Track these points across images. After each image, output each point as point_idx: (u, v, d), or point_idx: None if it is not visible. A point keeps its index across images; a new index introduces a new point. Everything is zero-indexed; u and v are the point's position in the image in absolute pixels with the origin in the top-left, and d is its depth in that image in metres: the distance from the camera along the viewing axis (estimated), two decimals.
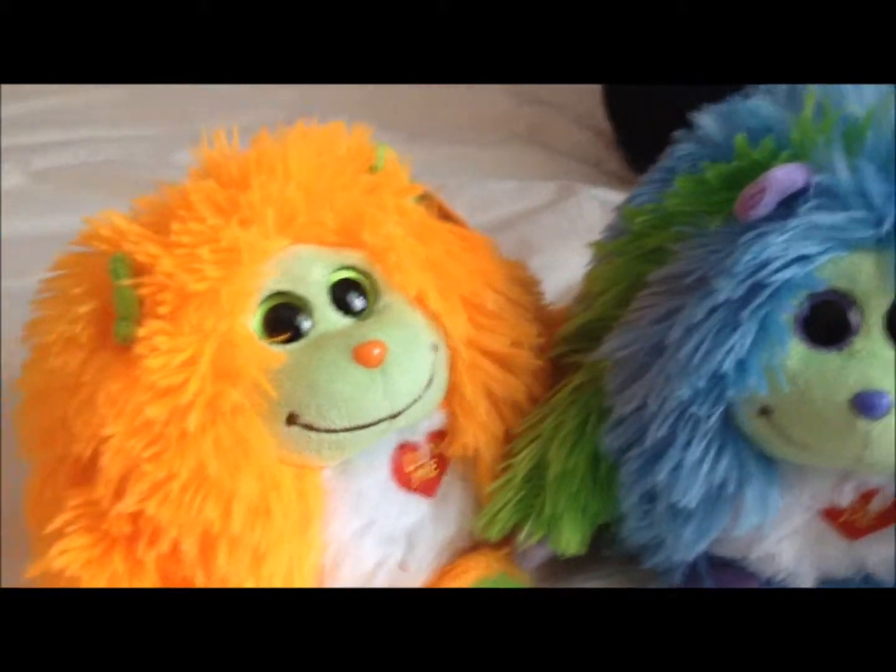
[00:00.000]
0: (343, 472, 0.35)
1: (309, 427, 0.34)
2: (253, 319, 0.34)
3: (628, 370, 0.36)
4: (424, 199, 0.40)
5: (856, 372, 0.32)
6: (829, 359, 0.33)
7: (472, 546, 0.40)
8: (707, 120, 0.37)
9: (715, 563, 0.39)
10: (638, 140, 0.71)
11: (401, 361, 0.34)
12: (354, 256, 0.36)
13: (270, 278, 0.35)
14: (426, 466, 0.37)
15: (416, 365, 0.35)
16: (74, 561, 0.33)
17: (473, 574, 0.39)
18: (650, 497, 0.36)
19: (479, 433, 0.37)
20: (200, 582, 0.33)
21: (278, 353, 0.34)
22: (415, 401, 0.35)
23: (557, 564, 0.40)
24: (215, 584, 0.33)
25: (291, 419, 0.34)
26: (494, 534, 0.38)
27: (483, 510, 0.38)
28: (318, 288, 0.35)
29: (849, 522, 0.36)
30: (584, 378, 0.38)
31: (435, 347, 0.36)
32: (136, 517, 0.33)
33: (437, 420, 0.37)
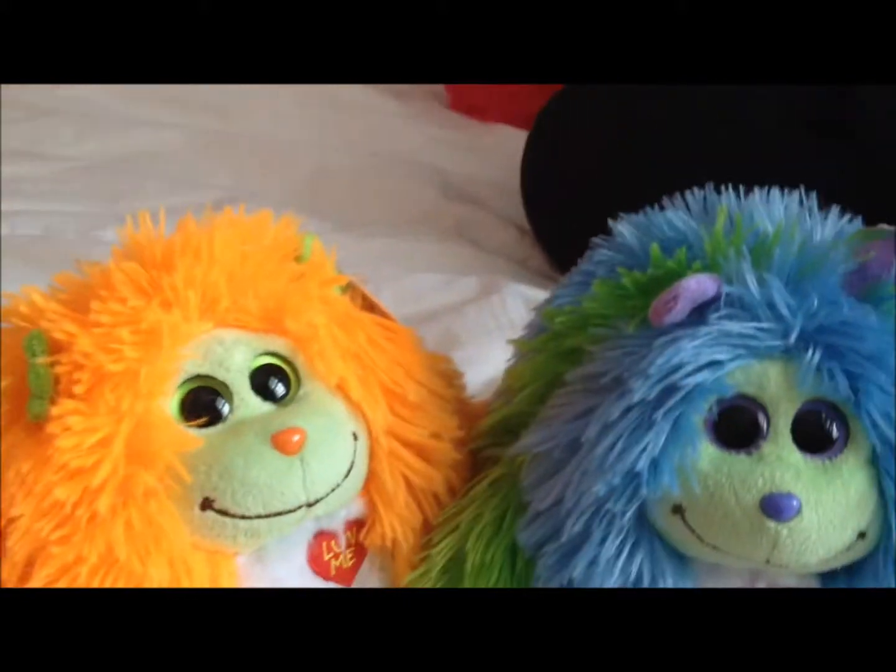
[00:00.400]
0: (258, 560, 0.35)
1: (223, 513, 0.34)
2: (170, 402, 0.34)
3: (545, 466, 0.36)
4: (349, 289, 0.40)
5: (764, 475, 0.33)
6: (739, 461, 0.34)
7: None
8: (624, 228, 0.39)
9: None
10: (556, 241, 0.73)
11: (320, 449, 0.35)
12: (277, 343, 0.37)
13: (190, 361, 0.35)
14: (343, 556, 0.37)
15: (335, 453, 0.35)
16: None
17: None
18: None
19: (396, 523, 0.38)
20: None
21: (195, 436, 0.34)
22: (333, 489, 0.35)
23: None
24: None
25: (206, 504, 0.34)
26: None
27: None
28: (239, 373, 0.35)
29: None
30: (503, 472, 0.39)
31: (355, 436, 0.37)
32: None
33: (355, 509, 0.38)
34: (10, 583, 0.32)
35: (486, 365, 0.56)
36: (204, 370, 0.35)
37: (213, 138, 0.95)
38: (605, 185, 0.70)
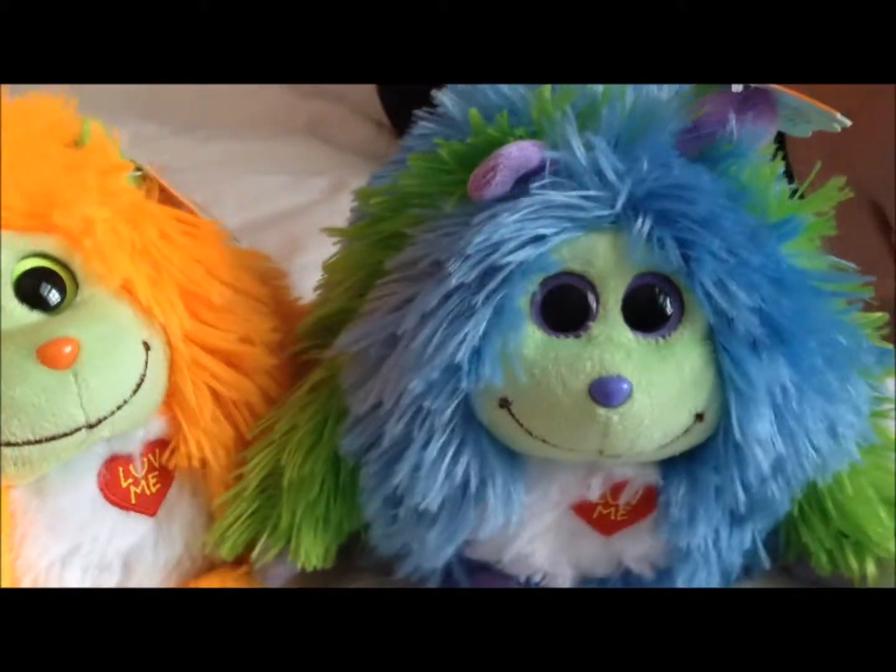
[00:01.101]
0: (37, 492, 0.31)
1: None
2: None
3: (364, 365, 0.33)
4: (144, 181, 0.36)
5: (593, 358, 0.30)
6: (567, 345, 0.31)
7: (207, 567, 0.36)
8: (447, 97, 0.35)
9: (472, 566, 0.36)
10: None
11: (98, 361, 0.30)
12: (48, 243, 0.32)
13: None
14: (144, 481, 0.33)
15: (118, 365, 0.31)
16: None
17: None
18: (394, 502, 0.33)
19: (204, 441, 0.34)
20: None
21: None
22: (119, 406, 0.31)
23: (306, 580, 0.37)
24: None
25: None
26: (226, 552, 0.35)
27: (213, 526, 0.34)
28: (1, 279, 0.30)
29: (602, 517, 0.34)
30: (322, 376, 0.35)
31: (147, 346, 0.32)
32: None
33: (155, 428, 0.33)
34: None
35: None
36: None
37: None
38: None
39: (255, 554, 0.35)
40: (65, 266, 0.32)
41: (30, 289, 0.31)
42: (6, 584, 0.30)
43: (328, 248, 0.56)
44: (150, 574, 0.34)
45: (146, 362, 0.32)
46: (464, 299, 0.31)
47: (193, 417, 0.33)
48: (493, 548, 0.35)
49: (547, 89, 0.33)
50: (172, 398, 0.33)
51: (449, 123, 0.35)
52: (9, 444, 0.29)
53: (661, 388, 0.30)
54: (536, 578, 0.35)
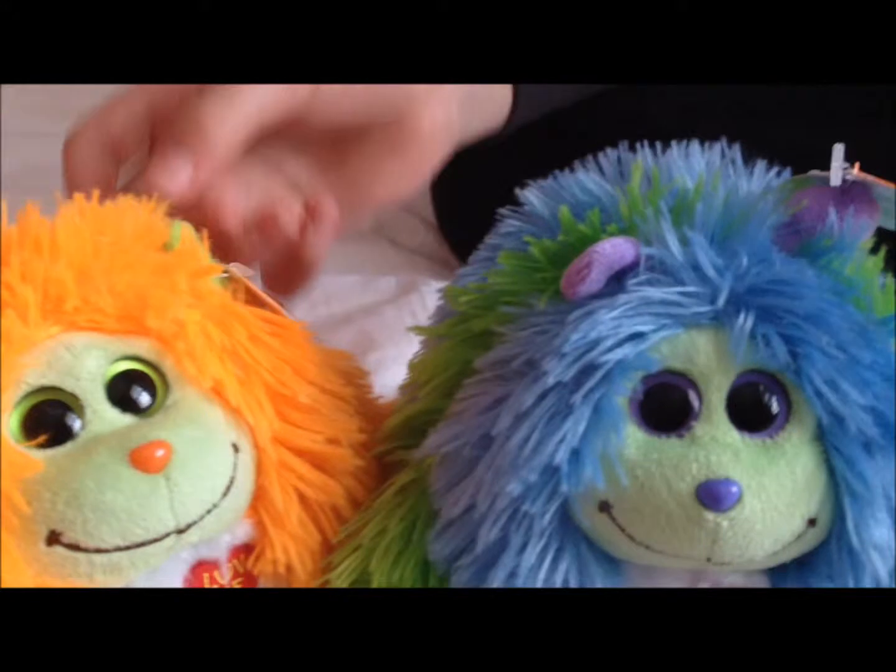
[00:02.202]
0: None
1: (74, 547, 0.29)
2: (9, 420, 0.29)
3: (455, 467, 0.32)
4: (229, 283, 0.36)
5: (699, 459, 0.29)
6: (670, 446, 0.30)
7: None
8: (532, 195, 0.35)
9: None
10: (463, 232, 0.69)
11: (190, 465, 0.30)
12: (140, 345, 0.32)
13: (31, 371, 0.30)
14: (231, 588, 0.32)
15: (209, 469, 0.30)
16: None
17: None
18: None
19: (290, 545, 0.33)
20: None
21: (36, 459, 0.29)
22: (209, 511, 0.30)
23: None
24: None
25: (53, 538, 0.28)
26: None
27: None
28: (92, 381, 0.30)
29: None
30: (410, 478, 0.34)
31: (236, 448, 0.32)
32: None
33: (241, 532, 0.33)
34: None
35: (404, 366, 0.52)
36: (49, 381, 0.30)
37: None
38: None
39: None
40: (156, 368, 0.32)
41: (121, 391, 0.31)
42: None
43: (402, 346, 0.57)
44: None
45: (235, 465, 0.31)
46: (561, 398, 0.30)
47: (280, 521, 0.33)
48: None
49: (636, 186, 0.33)
50: (259, 502, 0.33)
51: (536, 221, 0.35)
52: (98, 551, 0.29)
53: (772, 492, 0.29)
54: None
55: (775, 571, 0.31)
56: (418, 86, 0.44)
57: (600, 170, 0.35)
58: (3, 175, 0.83)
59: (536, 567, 0.30)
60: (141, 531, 0.29)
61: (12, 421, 0.29)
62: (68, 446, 0.29)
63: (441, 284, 0.65)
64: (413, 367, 0.37)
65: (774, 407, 0.30)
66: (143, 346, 0.32)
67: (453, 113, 0.46)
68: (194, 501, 0.30)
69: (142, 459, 0.29)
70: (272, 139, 0.42)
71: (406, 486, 0.34)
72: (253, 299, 0.36)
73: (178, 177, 0.39)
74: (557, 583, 0.30)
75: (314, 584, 0.34)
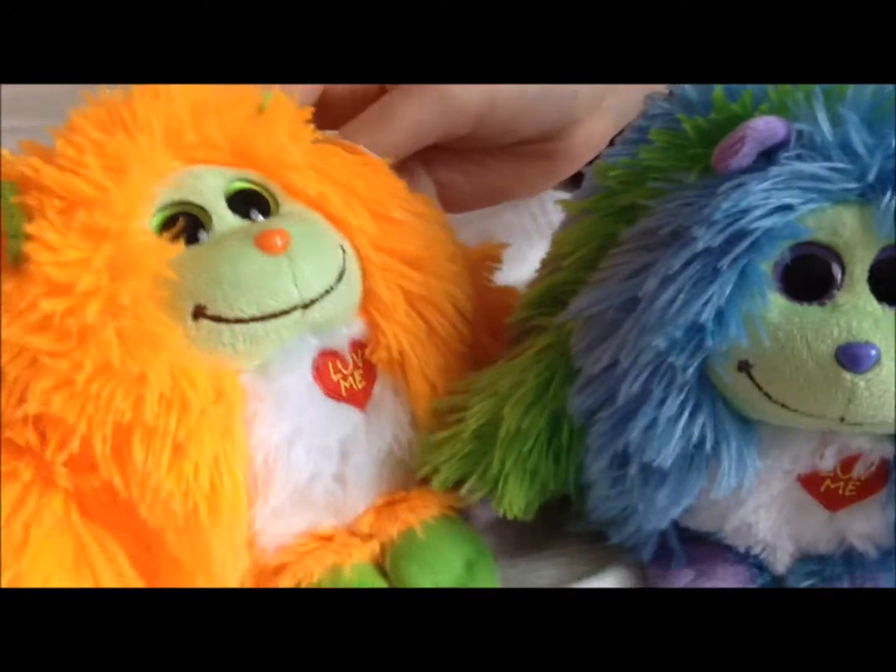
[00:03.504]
0: (262, 375, 0.34)
1: (218, 318, 0.32)
2: (148, 224, 0.33)
3: (598, 328, 0.34)
4: (323, 141, 0.39)
5: (840, 324, 0.31)
6: (812, 311, 0.31)
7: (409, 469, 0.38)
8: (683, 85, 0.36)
9: (687, 537, 0.37)
10: None
11: (306, 250, 0.33)
12: (249, 173, 0.36)
13: (162, 190, 0.34)
14: (352, 377, 0.36)
15: (323, 254, 0.34)
16: None
17: (428, 511, 0.37)
18: (621, 461, 0.34)
19: (400, 333, 0.36)
20: (119, 485, 0.31)
21: (177, 245, 0.33)
22: (327, 291, 0.34)
23: (517, 536, 0.38)
24: (133, 487, 0.31)
25: (198, 312, 0.32)
26: (437, 485, 0.37)
27: (421, 438, 0.37)
28: (214, 195, 0.34)
29: (830, 491, 0.34)
30: (550, 340, 0.36)
31: (342, 249, 0.35)
32: (40, 423, 0.31)
33: (357, 329, 0.36)
34: (9, 407, 0.31)
35: (525, 265, 0.54)
36: (178, 196, 0.34)
37: None
38: None
39: (461, 492, 0.36)
40: (265, 189, 0.36)
41: (239, 204, 0.35)
42: (244, 460, 0.33)
43: (522, 246, 0.59)
44: (365, 462, 0.36)
45: (344, 259, 0.35)
46: (708, 263, 0.32)
47: (388, 313, 0.36)
48: (715, 515, 0.35)
49: None
50: (368, 302, 0.36)
51: (685, 104, 0.36)
52: (238, 321, 0.32)
53: None
54: (756, 550, 0.35)
55: None
56: (585, 105, 0.47)
57: None
58: None
59: (675, 418, 0.32)
60: (272, 302, 0.32)
61: (150, 225, 0.33)
62: (200, 245, 0.33)
63: (561, 193, 0.67)
64: (556, 240, 0.39)
65: None
66: (252, 174, 0.36)
67: (609, 126, 0.48)
68: (314, 279, 0.33)
69: (265, 242, 0.32)
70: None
71: (545, 348, 0.37)
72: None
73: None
74: (694, 435, 0.32)
75: (427, 372, 0.37)
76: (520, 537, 0.39)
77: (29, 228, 0.31)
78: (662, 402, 0.32)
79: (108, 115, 0.34)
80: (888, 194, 0.31)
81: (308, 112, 0.38)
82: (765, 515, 0.34)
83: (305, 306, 0.33)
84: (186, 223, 0.34)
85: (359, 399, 0.36)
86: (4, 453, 0.31)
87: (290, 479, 0.34)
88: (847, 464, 0.33)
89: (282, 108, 0.38)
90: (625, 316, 0.33)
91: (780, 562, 0.36)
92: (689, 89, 0.36)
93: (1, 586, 0.30)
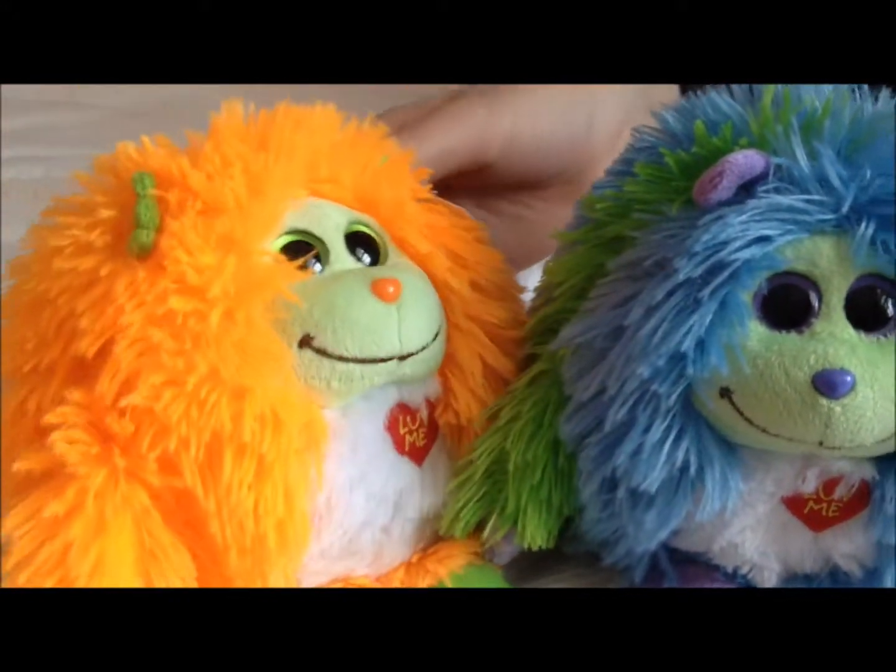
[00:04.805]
0: (344, 415, 0.35)
1: (322, 352, 0.33)
2: (272, 246, 0.34)
3: (587, 356, 0.35)
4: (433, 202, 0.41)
5: (817, 351, 0.32)
6: (790, 339, 0.32)
7: None
8: (667, 114, 0.38)
9: (677, 558, 0.38)
10: None
11: (415, 303, 0.35)
12: (367, 217, 0.37)
13: (291, 214, 0.35)
14: (417, 433, 0.37)
15: (428, 310, 0.36)
16: (72, 452, 0.31)
17: (456, 561, 0.38)
18: (610, 485, 0.35)
19: (472, 402, 0.37)
20: (199, 495, 0.32)
21: (299, 272, 0.34)
22: (424, 347, 0.35)
23: (524, 563, 0.39)
24: (212, 498, 0.32)
25: (305, 341, 0.33)
26: (460, 532, 0.37)
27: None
28: (336, 231, 0.36)
29: (813, 513, 0.35)
30: (543, 368, 0.38)
31: (440, 308, 0.37)
32: (141, 416, 0.31)
33: (432, 388, 0.37)
34: (112, 393, 0.31)
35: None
36: (303, 225, 0.35)
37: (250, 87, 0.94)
38: None
39: (485, 534, 0.37)
40: (379, 236, 0.37)
41: (353, 246, 0.36)
42: (311, 491, 0.33)
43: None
44: (414, 518, 0.37)
45: (440, 318, 0.37)
46: (689, 293, 0.33)
47: (465, 380, 0.37)
48: (703, 537, 0.36)
49: (768, 104, 0.35)
50: (447, 366, 0.38)
51: (669, 137, 0.37)
52: (340, 359, 0.33)
53: (883, 383, 0.31)
54: (744, 570, 0.36)
55: (881, 459, 0.34)
56: (601, 140, 0.48)
57: (730, 93, 0.38)
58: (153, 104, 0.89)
59: (660, 443, 0.33)
60: (375, 347, 0.34)
61: (273, 247, 0.34)
62: (318, 276, 0.35)
63: None
64: (548, 270, 0.40)
65: (890, 309, 0.32)
66: (369, 219, 0.37)
67: None
68: (415, 333, 0.35)
69: (381, 289, 0.34)
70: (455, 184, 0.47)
71: (538, 377, 0.38)
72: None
73: None
74: (679, 460, 0.33)
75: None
76: (528, 562, 0.40)
77: (171, 224, 0.32)
78: (648, 428, 0.33)
79: (254, 132, 0.35)
80: (863, 224, 0.32)
81: (427, 172, 0.40)
82: (751, 536, 0.35)
83: (402, 358, 0.34)
84: (309, 250, 0.35)
85: (419, 455, 0.37)
86: (100, 438, 0.32)
87: (344, 522, 0.35)
88: (829, 486, 0.34)
89: (406, 163, 0.39)
90: (612, 344, 0.34)
91: (768, 581, 0.37)
92: (673, 122, 0.37)
93: (83, 568, 0.30)
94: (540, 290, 0.41)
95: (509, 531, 0.37)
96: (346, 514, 0.35)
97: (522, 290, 0.42)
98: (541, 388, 0.38)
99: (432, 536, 0.38)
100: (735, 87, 0.38)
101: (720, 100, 0.37)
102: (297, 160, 0.35)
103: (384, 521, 0.36)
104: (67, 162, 0.79)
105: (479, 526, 0.38)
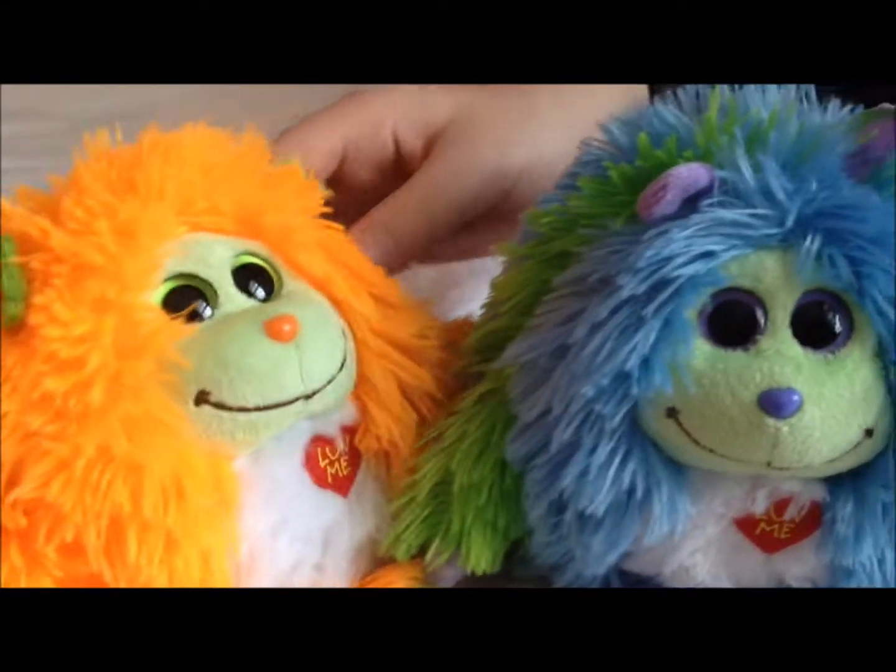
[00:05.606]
0: (256, 461, 0.33)
1: (220, 406, 0.32)
2: (155, 297, 0.33)
3: (532, 375, 0.34)
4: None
5: (762, 370, 0.31)
6: (735, 357, 0.31)
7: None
8: (612, 125, 0.37)
9: (629, 581, 0.37)
10: None
11: (314, 337, 0.33)
12: (255, 245, 0.35)
13: (171, 258, 0.33)
14: (339, 463, 0.36)
15: (329, 341, 0.34)
16: None
17: (399, 587, 0.37)
18: (558, 507, 0.34)
19: (392, 424, 0.36)
20: (108, 578, 0.30)
21: (185, 326, 0.32)
22: (329, 381, 0.34)
23: (468, 584, 0.38)
24: (123, 580, 0.31)
25: (201, 398, 0.32)
26: (401, 554, 0.36)
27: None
28: (222, 269, 0.34)
29: (765, 534, 0.34)
30: (489, 387, 0.37)
31: (344, 333, 0.35)
32: (32, 507, 0.30)
33: (348, 413, 0.36)
34: (3, 486, 0.29)
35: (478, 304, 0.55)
36: (186, 268, 0.33)
37: (209, 92, 0.93)
38: None
39: (427, 558, 0.36)
40: (270, 264, 0.35)
41: (245, 279, 0.34)
42: (231, 549, 0.32)
43: (483, 283, 0.59)
44: (346, 551, 0.36)
45: (345, 347, 0.35)
46: (633, 311, 0.32)
47: (382, 402, 0.36)
48: (654, 559, 0.35)
49: (713, 115, 0.34)
50: (361, 388, 0.36)
51: (614, 150, 0.36)
52: (242, 410, 0.32)
53: (831, 402, 0.31)
54: None
55: (832, 480, 0.33)
56: None
57: (678, 103, 0.37)
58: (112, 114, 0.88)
59: (606, 465, 0.32)
60: (277, 393, 0.32)
61: (156, 299, 0.33)
62: (206, 322, 0.33)
63: None
64: (494, 285, 0.39)
65: (837, 325, 0.32)
66: (257, 246, 0.35)
67: None
68: (318, 369, 0.33)
69: (275, 329, 0.32)
70: None
71: (485, 395, 0.37)
72: None
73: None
74: (625, 482, 0.32)
75: (410, 464, 0.37)
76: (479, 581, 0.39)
77: (36, 298, 0.30)
78: (593, 449, 0.32)
79: (118, 175, 0.33)
80: (808, 239, 0.32)
81: (317, 183, 0.38)
82: (702, 559, 0.34)
83: (308, 397, 0.33)
84: (192, 296, 0.33)
85: (343, 486, 0.35)
86: None
87: (272, 569, 0.34)
88: (780, 506, 0.33)
89: (293, 178, 0.37)
90: (557, 363, 0.34)
91: None
92: (618, 134, 0.36)
93: None
94: (486, 307, 0.40)
95: (453, 554, 0.36)
96: (272, 562, 0.33)
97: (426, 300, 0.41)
98: (487, 406, 0.37)
99: (370, 563, 0.37)
100: (682, 95, 0.37)
101: (666, 111, 0.36)
102: (168, 198, 0.33)
103: (315, 559, 0.35)
104: (16, 175, 0.78)
105: (422, 549, 0.37)
